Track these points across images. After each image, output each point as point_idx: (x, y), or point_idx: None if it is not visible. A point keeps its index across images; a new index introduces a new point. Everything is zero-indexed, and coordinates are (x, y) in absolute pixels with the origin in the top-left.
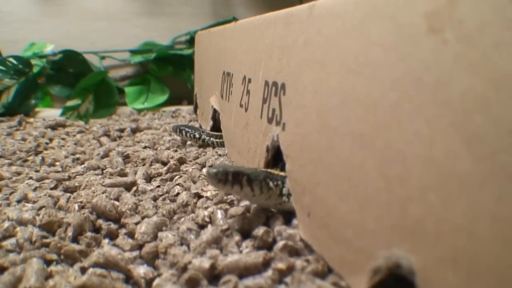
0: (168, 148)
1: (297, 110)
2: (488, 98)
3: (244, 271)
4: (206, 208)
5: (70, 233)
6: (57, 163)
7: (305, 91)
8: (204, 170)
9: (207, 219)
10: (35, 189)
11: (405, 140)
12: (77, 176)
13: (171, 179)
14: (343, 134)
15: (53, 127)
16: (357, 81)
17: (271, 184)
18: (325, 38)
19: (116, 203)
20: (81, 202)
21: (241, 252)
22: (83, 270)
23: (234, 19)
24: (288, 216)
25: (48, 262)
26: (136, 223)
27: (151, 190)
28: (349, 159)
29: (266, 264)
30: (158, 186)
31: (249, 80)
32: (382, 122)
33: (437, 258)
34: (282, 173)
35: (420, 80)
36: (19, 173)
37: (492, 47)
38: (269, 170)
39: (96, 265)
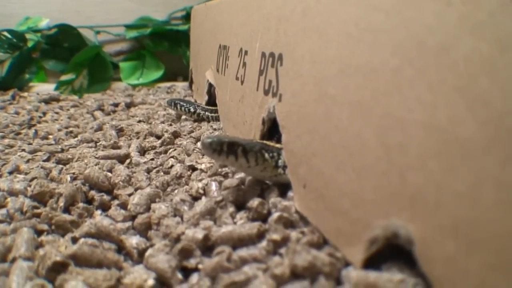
0: (162, 122)
1: (294, 80)
2: (494, 60)
3: (238, 242)
4: (200, 180)
5: (61, 203)
6: (50, 136)
7: (303, 60)
8: (199, 144)
9: (201, 191)
10: (27, 161)
11: (406, 107)
12: (70, 149)
13: (165, 152)
14: (341, 103)
15: (47, 101)
16: (357, 48)
17: (266, 155)
18: (324, 5)
19: (109, 174)
20: (73, 173)
21: (235, 223)
22: (75, 240)
23: None
24: (284, 188)
25: (39, 232)
26: (129, 195)
27: (144, 162)
28: (347, 128)
29: (260, 236)
30: (152, 159)
31: (246, 52)
32: (382, 89)
33: (437, 227)
34: (278, 145)
35: (423, 44)
36: (11, 146)
37: (498, 7)
38: (265, 141)
39: (87, 235)
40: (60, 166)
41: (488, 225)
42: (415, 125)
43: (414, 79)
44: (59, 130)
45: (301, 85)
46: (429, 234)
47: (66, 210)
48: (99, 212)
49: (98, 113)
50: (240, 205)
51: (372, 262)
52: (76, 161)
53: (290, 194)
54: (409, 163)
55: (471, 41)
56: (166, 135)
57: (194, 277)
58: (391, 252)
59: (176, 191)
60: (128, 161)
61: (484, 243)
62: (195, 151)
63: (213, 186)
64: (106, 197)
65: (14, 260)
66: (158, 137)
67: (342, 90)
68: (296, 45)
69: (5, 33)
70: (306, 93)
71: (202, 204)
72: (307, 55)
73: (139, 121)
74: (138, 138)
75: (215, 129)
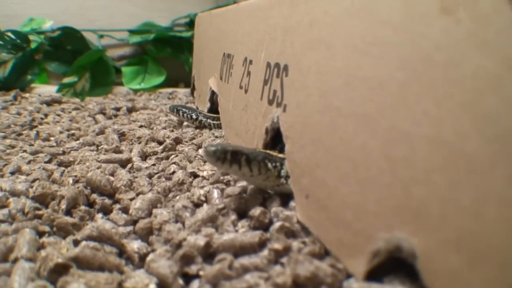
0: (164, 128)
1: (299, 91)
2: (501, 77)
3: (240, 250)
4: (202, 187)
5: (63, 206)
6: (52, 138)
7: (309, 72)
8: (201, 151)
9: (202, 198)
10: (29, 162)
11: (412, 121)
12: (72, 151)
13: (167, 158)
14: (347, 115)
15: (49, 103)
16: (364, 61)
17: (269, 165)
18: (332, 18)
19: (111, 178)
20: (75, 176)
21: (237, 231)
22: (76, 243)
23: (235, 2)
24: (286, 198)
25: (41, 234)
26: (131, 199)
27: (146, 167)
28: (351, 140)
29: (262, 244)
30: (154, 164)
31: (250, 62)
32: (388, 102)
33: (440, 241)
34: (281, 155)
35: (431, 60)
36: (13, 146)
37: (506, 26)
38: (268, 151)
39: (89, 238)
40: (62, 168)
41: (492, 240)
42: (421, 138)
43: (420, 94)
44: (61, 132)
45: (306, 96)
46: (432, 247)
47: (68, 212)
48: (100, 215)
49: (99, 117)
50: (242, 214)
51: (374, 275)
52: (78, 164)
53: (292, 204)
54: (414, 176)
55: (478, 58)
56: (168, 141)
57: (195, 284)
58: (393, 265)
59: (177, 197)
60: (129, 165)
61: (487, 257)
62: (196, 158)
63: (215, 193)
64: (107, 201)
65: (16, 260)
66: (160, 143)
67: (348, 102)
68: (302, 56)
69: (9, 34)
70: (311, 104)
71: (204, 211)
72: (313, 67)
73: (141, 126)
74: (140, 143)
75: (216, 137)
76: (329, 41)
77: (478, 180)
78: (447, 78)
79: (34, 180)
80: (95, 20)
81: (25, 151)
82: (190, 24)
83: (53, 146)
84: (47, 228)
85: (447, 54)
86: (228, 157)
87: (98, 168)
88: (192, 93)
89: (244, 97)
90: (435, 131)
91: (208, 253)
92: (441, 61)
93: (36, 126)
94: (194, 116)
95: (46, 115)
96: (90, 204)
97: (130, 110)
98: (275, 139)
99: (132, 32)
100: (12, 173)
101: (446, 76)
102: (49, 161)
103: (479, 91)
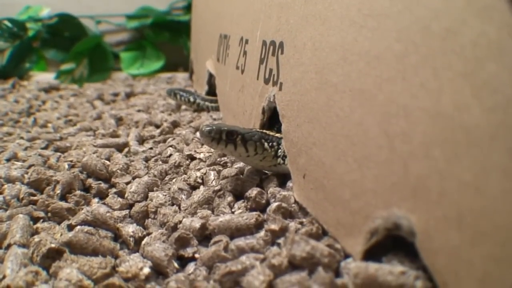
0: (162, 112)
1: (295, 68)
2: (502, 43)
3: (236, 232)
4: (198, 169)
5: (58, 191)
6: (49, 125)
7: (304, 48)
8: (198, 133)
9: (199, 180)
10: (25, 149)
11: (409, 94)
12: (69, 137)
13: (164, 141)
14: (343, 90)
15: (47, 90)
16: (360, 34)
17: (266, 145)
18: None
19: (107, 162)
20: (71, 161)
21: (233, 213)
22: (71, 228)
23: None
24: (283, 179)
25: (35, 219)
26: (127, 183)
27: (143, 151)
28: (348, 116)
29: (258, 226)
30: (151, 148)
31: (246, 41)
32: (385, 76)
33: (440, 218)
34: (277, 135)
35: (428, 29)
36: (10, 134)
37: None
38: (264, 131)
39: (84, 222)
40: (58, 154)
41: (494, 216)
42: (419, 112)
43: (418, 65)
44: (58, 118)
45: (302, 73)
46: (432, 225)
47: (63, 197)
48: (96, 200)
49: (97, 102)
50: (238, 195)
51: (372, 254)
52: (75, 149)
53: (289, 184)
54: (412, 151)
55: (479, 24)
56: (165, 124)
57: (191, 266)
58: (392, 244)
59: (174, 180)
60: (126, 149)
61: (489, 234)
62: (194, 140)
63: (212, 175)
64: (103, 185)
65: (9, 246)
66: (157, 126)
67: (344, 77)
68: (298, 33)
69: (6, 22)
70: (307, 82)
71: (200, 193)
72: (308, 43)
73: (139, 111)
74: (137, 127)
75: (214, 119)
76: (325, 15)
77: (479, 153)
78: (446, 48)
79: (29, 166)
80: (92, 6)
81: (22, 138)
82: (188, 8)
83: (50, 132)
84: (41, 214)
85: (445, 22)
86: (223, 137)
87: (94, 153)
88: (190, 77)
89: (240, 78)
90: (433, 103)
91: (204, 235)
92: (440, 30)
93: (33, 113)
94: (191, 99)
95: (44, 102)
96: (86, 189)
97: (129, 95)
98: (272, 119)
99: (130, 17)
100: (8, 160)
101: (444, 45)
102: (46, 147)
103: (479, 59)
